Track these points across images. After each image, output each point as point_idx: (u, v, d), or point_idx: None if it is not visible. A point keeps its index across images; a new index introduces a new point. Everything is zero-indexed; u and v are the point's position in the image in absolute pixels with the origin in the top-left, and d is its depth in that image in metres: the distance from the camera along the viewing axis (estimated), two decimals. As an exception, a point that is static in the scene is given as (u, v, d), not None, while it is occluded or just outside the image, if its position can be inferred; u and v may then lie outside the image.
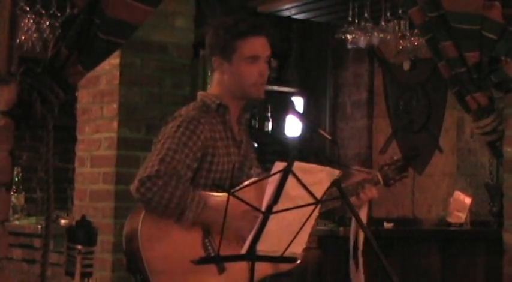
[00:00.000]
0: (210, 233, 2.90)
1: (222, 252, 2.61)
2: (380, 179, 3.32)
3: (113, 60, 4.95)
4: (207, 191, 2.95)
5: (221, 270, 2.88)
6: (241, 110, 3.13)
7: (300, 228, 2.53)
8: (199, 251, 2.86)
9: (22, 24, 5.59)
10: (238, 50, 3.02)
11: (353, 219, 3.25)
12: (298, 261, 2.81)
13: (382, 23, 6.28)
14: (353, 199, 3.20)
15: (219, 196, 2.87)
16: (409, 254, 5.11)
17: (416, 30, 5.93)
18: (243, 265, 2.63)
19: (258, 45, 3.06)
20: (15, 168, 5.34)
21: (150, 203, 2.83)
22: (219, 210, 2.76)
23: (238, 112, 3.12)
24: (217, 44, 3.05)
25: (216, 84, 3.11)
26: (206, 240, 2.89)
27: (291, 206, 2.47)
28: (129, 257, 2.90)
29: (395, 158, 3.43)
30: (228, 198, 2.47)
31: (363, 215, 3.27)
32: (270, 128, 7.39)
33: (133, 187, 2.85)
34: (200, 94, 3.15)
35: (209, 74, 6.35)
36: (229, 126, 3.07)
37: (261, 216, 2.48)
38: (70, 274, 3.21)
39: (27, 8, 5.65)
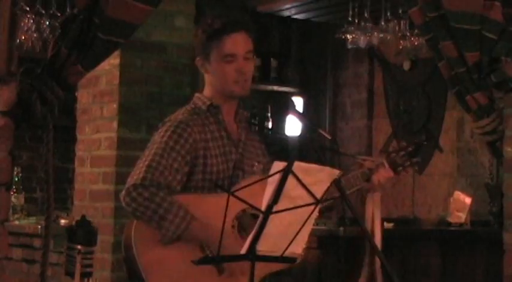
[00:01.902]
0: None
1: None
2: (387, 166, 3.25)
3: (113, 60, 4.95)
4: (204, 192, 2.95)
5: (220, 272, 2.87)
6: (237, 108, 3.12)
7: (300, 228, 2.53)
8: (196, 253, 2.85)
9: (22, 24, 5.58)
10: (214, 50, 3.04)
11: (366, 216, 3.25)
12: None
13: (382, 23, 6.27)
14: (367, 184, 3.20)
15: (209, 198, 2.86)
16: (409, 254, 5.10)
17: (416, 30, 5.92)
18: (243, 266, 2.63)
19: (233, 43, 3.04)
20: (15, 168, 5.34)
21: (135, 212, 2.84)
22: (205, 228, 2.81)
23: (234, 110, 3.11)
24: (197, 45, 3.10)
25: (207, 85, 3.13)
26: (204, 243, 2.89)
27: (291, 206, 2.47)
28: (127, 264, 2.89)
29: (404, 144, 3.35)
30: (228, 198, 2.47)
31: (377, 199, 3.25)
32: (270, 127, 7.39)
33: (121, 195, 2.87)
34: (195, 96, 3.17)
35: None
36: (224, 126, 3.06)
37: (261, 216, 2.48)
38: (70, 274, 3.20)
39: (27, 8, 5.65)
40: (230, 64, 3.02)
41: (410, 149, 3.31)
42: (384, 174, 3.23)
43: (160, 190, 2.84)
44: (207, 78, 3.11)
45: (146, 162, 2.89)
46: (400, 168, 3.30)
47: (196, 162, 2.95)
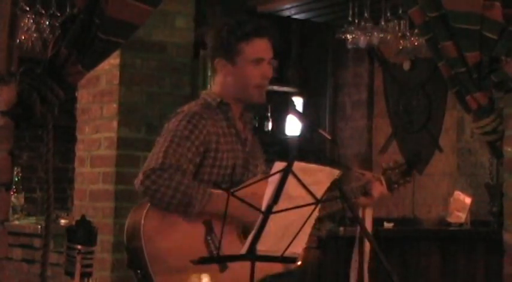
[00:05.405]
0: (212, 230, 2.90)
1: (224, 249, 2.61)
2: (383, 182, 3.31)
3: (113, 60, 4.95)
4: (209, 187, 2.95)
5: (223, 268, 2.88)
6: (243, 109, 3.13)
7: (300, 228, 2.53)
8: (201, 248, 2.87)
9: (22, 24, 5.59)
10: (242, 52, 3.02)
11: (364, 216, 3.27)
12: (299, 263, 2.82)
13: (382, 23, 6.28)
14: (363, 199, 3.22)
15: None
16: (409, 254, 5.11)
17: (416, 30, 5.93)
18: (245, 263, 2.64)
19: (262, 48, 3.05)
20: (15, 168, 5.34)
21: (155, 195, 2.83)
22: (225, 199, 2.76)
23: (240, 110, 3.12)
24: (221, 46, 3.05)
25: (217, 86, 3.12)
26: (208, 237, 2.90)
27: (291, 206, 2.47)
28: (130, 252, 2.90)
29: (399, 162, 3.41)
30: (228, 198, 2.47)
31: (369, 215, 3.27)
32: (270, 127, 7.39)
33: (137, 181, 2.87)
34: (202, 93, 3.17)
35: (209, 74, 6.37)
36: (233, 123, 3.08)
37: (261, 216, 2.48)
38: (70, 274, 3.20)
39: (27, 8, 5.66)
40: (257, 67, 3.03)
41: (404, 167, 3.37)
42: (379, 189, 3.27)
43: (178, 173, 2.86)
44: (220, 79, 3.09)
45: (163, 149, 2.89)
46: (395, 185, 3.36)
47: (206, 154, 2.97)
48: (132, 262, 2.90)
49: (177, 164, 2.87)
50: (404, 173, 3.38)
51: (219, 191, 2.84)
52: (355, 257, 3.32)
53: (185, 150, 2.90)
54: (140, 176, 2.86)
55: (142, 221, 2.85)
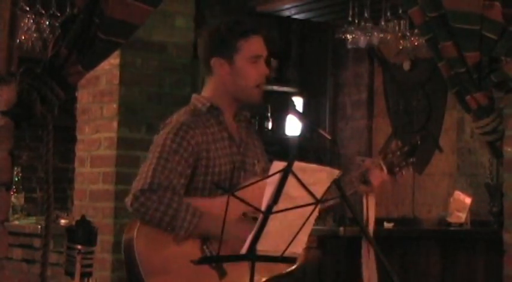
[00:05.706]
0: (208, 239, 2.88)
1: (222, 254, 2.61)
2: (384, 167, 3.23)
3: (113, 60, 4.96)
4: (205, 194, 2.94)
5: (222, 274, 2.87)
6: (237, 108, 3.09)
7: (300, 228, 2.53)
8: (198, 256, 2.84)
9: (22, 24, 5.60)
10: (241, 49, 3.00)
11: (364, 210, 3.23)
12: (296, 264, 2.81)
13: (382, 23, 6.28)
14: (363, 187, 3.18)
15: (217, 200, 2.86)
16: (409, 254, 5.10)
17: (416, 30, 5.93)
18: (244, 270, 2.63)
19: (259, 45, 3.04)
20: (15, 168, 5.34)
21: (145, 217, 2.82)
22: (216, 219, 2.74)
23: (234, 110, 3.09)
24: (219, 44, 3.01)
25: (211, 87, 3.06)
26: (205, 247, 2.87)
27: (291, 206, 2.47)
28: (128, 268, 2.88)
29: (399, 144, 3.33)
30: (228, 198, 2.46)
31: (372, 202, 3.24)
32: (270, 127, 7.39)
33: (127, 201, 2.85)
34: (193, 97, 3.11)
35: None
36: (225, 127, 3.03)
37: (261, 216, 2.48)
38: (70, 274, 3.20)
39: (27, 8, 5.66)
40: (254, 66, 3.02)
41: (406, 149, 3.30)
42: (379, 176, 3.21)
43: (168, 192, 2.83)
44: (214, 80, 3.04)
45: (151, 166, 2.87)
46: (397, 168, 3.27)
47: (198, 163, 2.93)
48: (130, 278, 2.88)
49: (167, 181, 2.84)
50: (407, 154, 3.29)
51: (212, 211, 2.83)
52: (371, 256, 3.27)
53: (174, 164, 2.87)
54: (130, 197, 2.84)
55: (135, 236, 2.83)
